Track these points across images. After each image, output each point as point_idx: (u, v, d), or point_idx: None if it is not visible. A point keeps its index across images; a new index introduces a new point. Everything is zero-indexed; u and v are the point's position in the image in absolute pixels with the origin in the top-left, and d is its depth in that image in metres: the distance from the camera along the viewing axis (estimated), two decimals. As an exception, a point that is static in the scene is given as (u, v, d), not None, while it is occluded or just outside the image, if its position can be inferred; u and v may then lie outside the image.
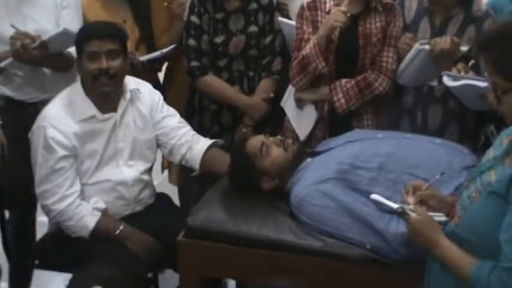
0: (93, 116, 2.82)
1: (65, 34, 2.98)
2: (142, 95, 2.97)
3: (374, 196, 2.37)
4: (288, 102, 3.27)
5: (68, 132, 2.76)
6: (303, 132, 3.20)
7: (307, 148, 2.89)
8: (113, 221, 2.84)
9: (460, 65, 2.81)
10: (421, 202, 2.19)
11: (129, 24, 3.44)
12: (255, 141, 2.78)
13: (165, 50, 3.39)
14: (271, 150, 2.74)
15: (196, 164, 3.02)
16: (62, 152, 2.75)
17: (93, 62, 2.74)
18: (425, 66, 2.92)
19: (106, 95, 2.82)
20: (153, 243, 2.84)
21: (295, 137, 3.20)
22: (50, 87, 3.19)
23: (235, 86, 3.36)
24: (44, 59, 3.06)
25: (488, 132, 2.98)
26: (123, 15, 3.45)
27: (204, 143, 3.03)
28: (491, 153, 2.01)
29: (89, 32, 2.79)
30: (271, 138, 2.79)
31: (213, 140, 3.07)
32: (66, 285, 2.47)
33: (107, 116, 2.84)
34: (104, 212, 2.83)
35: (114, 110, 2.86)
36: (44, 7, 3.17)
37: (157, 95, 3.05)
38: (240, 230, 2.55)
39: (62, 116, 2.78)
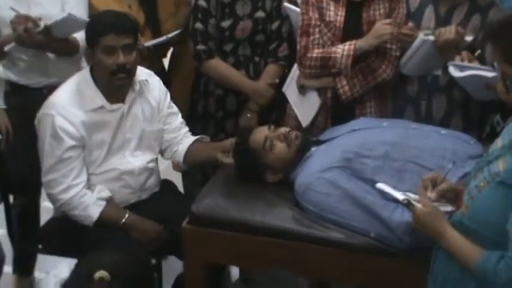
0: (102, 107, 2.79)
1: (69, 19, 2.95)
2: (152, 85, 2.96)
3: (379, 185, 2.37)
4: (289, 89, 3.26)
5: (77, 121, 2.74)
6: (305, 119, 3.19)
7: (310, 139, 2.88)
8: (118, 210, 2.84)
9: (464, 53, 2.80)
10: (441, 196, 2.18)
11: (135, 9, 3.42)
12: (259, 136, 2.78)
13: (170, 35, 3.38)
14: (275, 146, 2.74)
15: (180, 158, 3.06)
16: (70, 142, 2.73)
17: (110, 56, 2.70)
18: (429, 56, 2.91)
19: (121, 88, 2.81)
20: (159, 231, 2.84)
21: (298, 124, 3.20)
22: (53, 72, 3.19)
23: (240, 71, 3.35)
24: (48, 44, 3.04)
25: (494, 121, 2.97)
26: (129, 0, 3.44)
27: (190, 138, 3.08)
28: (499, 142, 2.01)
29: (106, 25, 2.71)
30: (275, 132, 2.79)
31: (198, 136, 3.10)
32: (71, 270, 2.47)
33: (115, 106, 2.82)
34: (109, 201, 2.82)
35: (123, 100, 2.84)
36: None
37: (165, 90, 3.05)
38: (244, 218, 2.56)
39: (71, 105, 2.75)
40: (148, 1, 3.48)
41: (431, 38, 2.86)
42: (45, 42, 3.00)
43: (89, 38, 2.78)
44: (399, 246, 2.36)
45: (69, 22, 2.97)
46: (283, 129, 2.81)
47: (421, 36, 2.88)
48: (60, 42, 3.09)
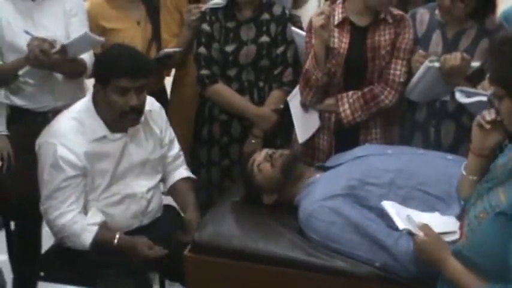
0: (104, 136, 2.76)
1: (86, 38, 2.98)
2: (154, 113, 2.96)
3: (385, 204, 2.32)
4: (294, 100, 3.23)
5: (79, 151, 2.70)
6: (302, 136, 3.17)
7: (298, 156, 2.92)
8: (109, 232, 2.76)
9: (486, 84, 2.77)
10: None
11: (143, 25, 3.49)
12: (252, 159, 2.85)
13: (167, 50, 3.42)
14: (263, 167, 2.80)
15: (165, 187, 3.09)
16: (70, 172, 2.69)
17: (123, 96, 2.67)
18: (435, 83, 2.89)
19: (129, 127, 2.81)
20: (151, 245, 2.75)
21: (304, 150, 3.19)
22: (60, 95, 3.19)
23: (245, 96, 3.34)
24: (62, 64, 3.04)
25: (503, 146, 2.93)
26: (138, 17, 3.49)
27: (181, 172, 3.10)
28: (498, 168, 1.99)
29: (123, 69, 2.66)
30: (263, 154, 2.84)
31: (188, 174, 3.12)
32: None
33: (117, 135, 2.79)
34: (101, 225, 2.76)
35: (125, 130, 2.82)
36: (54, 14, 3.17)
37: (165, 116, 3.05)
38: (247, 246, 2.53)
39: (73, 135, 2.72)
40: (157, 15, 3.53)
41: (437, 64, 2.84)
42: (61, 62, 3.00)
43: (100, 75, 2.74)
44: (404, 275, 2.32)
45: (86, 40, 3.01)
46: (270, 151, 2.86)
47: (426, 63, 2.86)
48: (71, 63, 3.10)
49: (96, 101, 2.78)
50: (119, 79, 2.65)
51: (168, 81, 3.76)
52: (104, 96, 2.71)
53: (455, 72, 2.81)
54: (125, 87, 2.66)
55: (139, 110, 2.75)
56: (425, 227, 2.10)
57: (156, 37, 3.51)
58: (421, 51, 2.98)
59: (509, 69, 1.86)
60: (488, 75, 2.72)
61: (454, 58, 2.80)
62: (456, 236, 2.09)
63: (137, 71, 2.68)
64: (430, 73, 2.86)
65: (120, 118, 2.73)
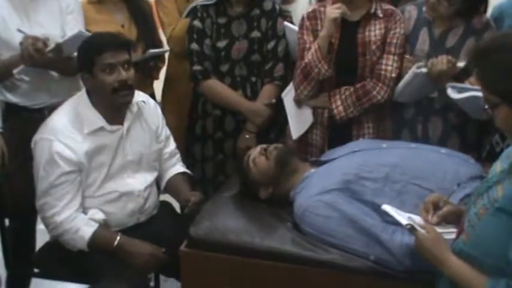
0: (102, 128, 2.76)
1: (79, 36, 2.97)
2: (149, 108, 2.96)
3: (385, 207, 2.32)
4: (288, 96, 3.25)
5: (76, 146, 2.70)
6: (296, 131, 3.19)
7: (291, 150, 2.97)
8: (110, 233, 2.76)
9: (473, 80, 2.79)
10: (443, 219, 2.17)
11: (127, 27, 3.46)
12: (248, 154, 2.89)
13: (152, 51, 3.43)
14: (258, 161, 2.82)
15: (162, 186, 3.09)
16: (65, 168, 2.68)
17: (111, 74, 2.69)
18: (423, 86, 2.93)
19: (123, 107, 2.81)
20: (153, 252, 2.76)
21: (297, 146, 3.20)
22: (56, 92, 3.19)
23: (238, 91, 3.34)
24: (56, 63, 3.04)
25: (493, 141, 2.96)
26: (121, 19, 3.47)
27: (177, 168, 3.10)
28: (498, 167, 1.99)
29: (101, 44, 2.71)
30: (258, 149, 2.88)
31: (184, 170, 3.12)
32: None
33: (114, 127, 2.80)
34: (102, 225, 2.76)
35: (121, 122, 2.83)
36: (50, 12, 3.17)
37: (161, 114, 3.06)
38: (242, 241, 2.54)
39: (70, 130, 2.72)
40: (141, 16, 3.52)
41: (424, 70, 2.86)
42: (55, 61, 3.00)
43: (84, 61, 2.75)
44: (399, 269, 2.35)
45: (79, 39, 2.98)
46: (265, 145, 2.89)
47: (413, 69, 2.88)
48: (66, 61, 3.09)
49: (88, 91, 2.80)
50: (102, 55, 2.68)
51: (156, 85, 3.76)
52: (93, 80, 2.72)
53: (443, 75, 2.84)
54: (109, 63, 2.68)
55: (129, 85, 2.74)
56: (427, 225, 2.10)
57: (142, 39, 3.49)
58: (407, 57, 3.01)
59: (504, 78, 1.84)
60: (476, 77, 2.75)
61: (441, 62, 2.82)
62: (453, 236, 2.10)
63: (117, 44, 2.72)
64: (418, 78, 2.88)
65: (113, 97, 2.72)
